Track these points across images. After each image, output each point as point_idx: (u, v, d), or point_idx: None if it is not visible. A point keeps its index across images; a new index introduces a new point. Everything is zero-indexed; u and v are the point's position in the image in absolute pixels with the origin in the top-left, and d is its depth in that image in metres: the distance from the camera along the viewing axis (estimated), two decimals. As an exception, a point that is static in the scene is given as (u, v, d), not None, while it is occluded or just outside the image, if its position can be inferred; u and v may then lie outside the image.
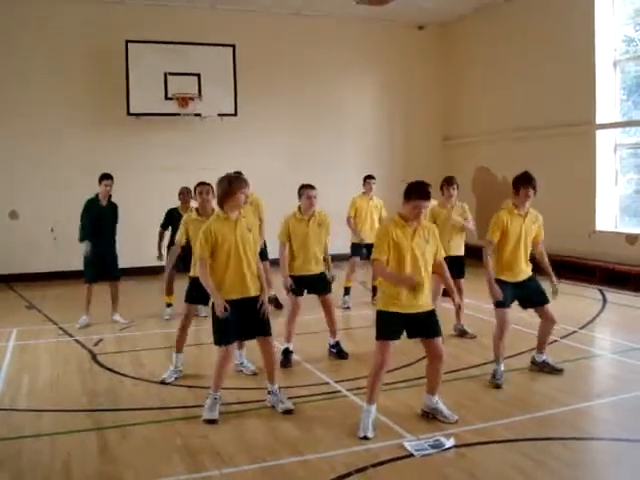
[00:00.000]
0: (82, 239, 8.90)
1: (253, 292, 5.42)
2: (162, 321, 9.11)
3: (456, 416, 5.29)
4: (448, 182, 8.23)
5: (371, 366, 5.17)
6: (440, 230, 7.80)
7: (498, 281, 6.20)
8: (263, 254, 9.58)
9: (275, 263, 7.34)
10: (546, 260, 6.43)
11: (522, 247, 6.23)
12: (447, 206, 8.11)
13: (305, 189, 7.06)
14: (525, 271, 6.30)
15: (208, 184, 6.89)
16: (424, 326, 5.15)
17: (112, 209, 9.06)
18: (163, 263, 8.43)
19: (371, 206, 9.93)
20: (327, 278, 7.16)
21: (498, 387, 6.07)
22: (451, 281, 5.47)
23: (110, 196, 9.04)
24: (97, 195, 9.00)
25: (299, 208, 7.09)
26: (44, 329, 8.81)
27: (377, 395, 5.18)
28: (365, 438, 4.92)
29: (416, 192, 5.03)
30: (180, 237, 6.79)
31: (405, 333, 5.18)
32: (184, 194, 9.26)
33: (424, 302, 5.15)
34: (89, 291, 8.97)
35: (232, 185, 5.35)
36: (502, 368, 6.22)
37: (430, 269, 5.22)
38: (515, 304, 6.37)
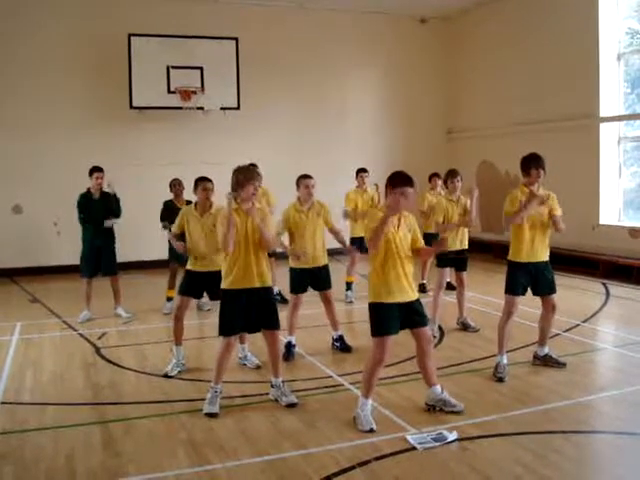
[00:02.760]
0: (104, 248, 8.90)
1: (259, 283, 5.43)
2: (164, 315, 9.14)
3: (462, 405, 5.31)
4: (452, 175, 8.19)
5: (368, 362, 5.16)
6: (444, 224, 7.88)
7: (515, 264, 6.21)
8: None
9: (282, 257, 7.36)
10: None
11: (536, 227, 6.19)
12: (452, 199, 8.07)
13: (303, 179, 7.09)
14: (541, 253, 6.26)
15: (211, 180, 6.84)
16: (414, 316, 5.14)
17: (105, 201, 9.00)
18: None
19: (366, 199, 9.93)
20: (328, 272, 7.16)
21: (501, 380, 6.07)
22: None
23: (101, 188, 9.02)
24: (88, 189, 8.98)
25: (298, 199, 7.11)
26: (48, 323, 8.84)
27: (373, 389, 5.21)
28: (371, 431, 4.93)
29: (398, 178, 5.05)
30: (175, 227, 6.74)
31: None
32: (176, 186, 9.26)
33: (412, 291, 5.15)
34: (88, 286, 8.98)
35: (242, 177, 5.38)
36: (505, 361, 6.22)
37: (411, 262, 5.20)
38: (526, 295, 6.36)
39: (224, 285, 5.45)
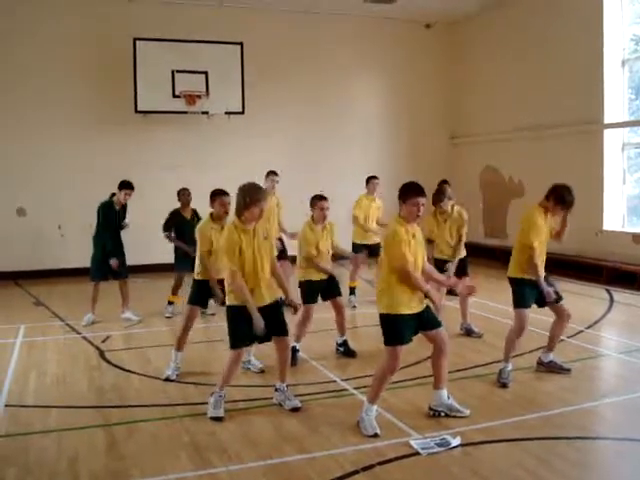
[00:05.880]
0: (115, 254, 8.84)
1: (268, 300, 5.44)
2: (166, 318, 9.15)
3: (468, 410, 5.32)
4: (439, 199, 8.08)
5: (379, 369, 5.15)
6: (439, 238, 7.91)
7: (522, 280, 6.20)
8: (283, 253, 9.62)
9: (295, 261, 7.37)
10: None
11: (545, 247, 6.27)
12: (443, 216, 8.03)
13: (318, 201, 7.06)
14: (543, 268, 6.29)
15: (228, 193, 6.72)
16: (426, 319, 5.18)
17: (123, 211, 9.07)
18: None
19: (374, 207, 9.96)
20: (336, 281, 7.19)
21: (505, 386, 6.07)
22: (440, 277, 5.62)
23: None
24: (111, 200, 8.94)
25: (312, 218, 7.12)
26: (52, 326, 8.84)
27: (380, 396, 5.22)
28: (375, 435, 4.94)
29: (412, 189, 5.07)
30: (204, 246, 6.57)
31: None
32: (185, 195, 9.25)
33: (423, 300, 5.18)
34: (95, 289, 8.98)
35: (249, 198, 5.30)
36: (510, 368, 6.22)
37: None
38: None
39: (230, 301, 5.41)
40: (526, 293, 6.21)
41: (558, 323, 6.44)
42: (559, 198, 6.15)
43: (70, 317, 9.19)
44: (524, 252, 6.20)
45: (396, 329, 5.06)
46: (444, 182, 10.17)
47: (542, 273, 6.21)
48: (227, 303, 5.45)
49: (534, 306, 6.39)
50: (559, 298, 6.31)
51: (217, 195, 6.75)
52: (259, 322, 5.21)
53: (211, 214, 6.75)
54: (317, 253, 6.99)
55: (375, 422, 5.05)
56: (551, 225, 6.33)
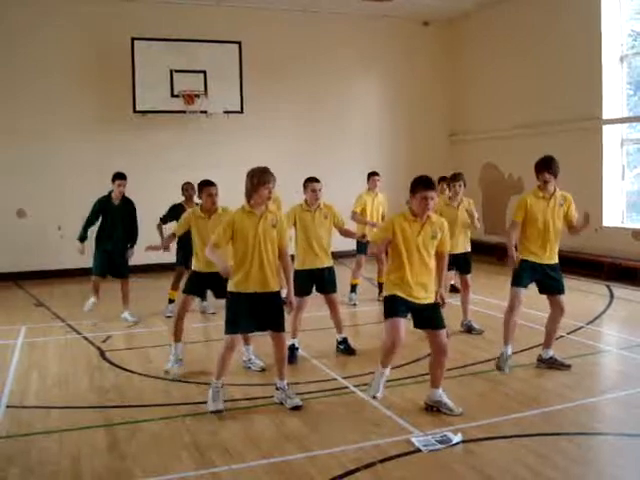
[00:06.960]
0: (82, 239, 8.89)
1: (269, 287, 5.45)
2: (166, 318, 9.12)
3: (460, 408, 5.33)
4: (453, 179, 8.22)
5: (382, 344, 5.34)
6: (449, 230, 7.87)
7: (520, 261, 6.28)
8: None
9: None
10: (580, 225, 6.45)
11: (549, 230, 6.25)
12: (453, 204, 8.06)
13: (309, 182, 7.13)
14: (551, 256, 6.31)
15: (214, 184, 6.85)
16: (429, 318, 5.26)
17: (125, 207, 8.99)
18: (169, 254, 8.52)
19: (376, 203, 9.95)
20: (334, 275, 7.16)
21: (500, 369, 6.14)
22: (444, 276, 5.57)
23: (123, 194, 9.02)
24: (110, 194, 8.95)
25: (305, 201, 7.14)
26: (52, 326, 8.84)
27: (391, 361, 5.36)
28: (374, 398, 5.14)
29: (420, 183, 5.14)
30: (178, 227, 6.83)
31: (412, 321, 5.36)
32: (187, 190, 9.26)
33: (427, 295, 5.25)
34: (96, 281, 8.95)
35: (256, 180, 5.38)
36: (509, 352, 6.26)
37: (433, 265, 5.29)
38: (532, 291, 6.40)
39: (230, 287, 5.47)
40: (522, 272, 6.28)
41: (552, 317, 6.47)
42: (538, 166, 6.35)
43: (71, 317, 9.19)
44: (524, 234, 6.30)
45: (389, 304, 5.25)
46: (443, 179, 10.18)
47: (547, 254, 6.29)
48: (228, 288, 5.50)
49: (536, 303, 6.40)
50: (560, 289, 6.33)
51: (204, 186, 6.83)
52: (224, 266, 5.33)
53: (201, 205, 6.82)
54: (303, 236, 7.01)
55: (382, 386, 5.28)
56: (559, 207, 6.30)
